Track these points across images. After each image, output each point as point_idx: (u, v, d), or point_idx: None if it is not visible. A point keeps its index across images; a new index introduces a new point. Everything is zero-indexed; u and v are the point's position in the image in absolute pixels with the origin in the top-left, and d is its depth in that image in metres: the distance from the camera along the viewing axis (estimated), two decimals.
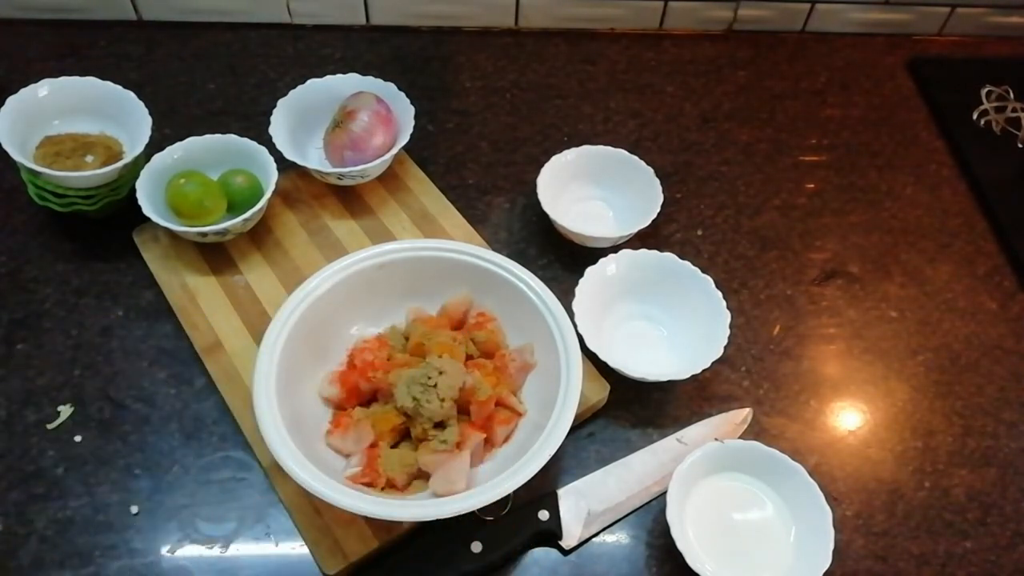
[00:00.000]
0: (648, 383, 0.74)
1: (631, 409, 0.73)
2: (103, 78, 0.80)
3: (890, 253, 0.87)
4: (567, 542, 0.65)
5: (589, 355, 0.70)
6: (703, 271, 0.75)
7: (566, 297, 0.71)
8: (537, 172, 0.83)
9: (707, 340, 0.72)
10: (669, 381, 0.73)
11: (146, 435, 0.69)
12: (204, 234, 0.75)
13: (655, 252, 0.77)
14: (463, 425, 0.66)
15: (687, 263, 0.76)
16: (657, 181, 0.83)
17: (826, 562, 0.61)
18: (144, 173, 0.77)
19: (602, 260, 0.76)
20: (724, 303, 0.73)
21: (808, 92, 1.02)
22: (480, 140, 0.93)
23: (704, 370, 0.70)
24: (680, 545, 0.62)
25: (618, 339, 0.77)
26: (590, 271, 0.75)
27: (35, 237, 0.80)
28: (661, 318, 0.78)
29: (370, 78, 0.86)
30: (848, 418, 0.75)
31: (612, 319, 0.77)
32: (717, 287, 0.74)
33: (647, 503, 0.68)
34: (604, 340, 0.74)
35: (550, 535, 0.65)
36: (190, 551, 0.64)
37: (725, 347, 0.71)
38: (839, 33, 1.08)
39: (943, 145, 0.97)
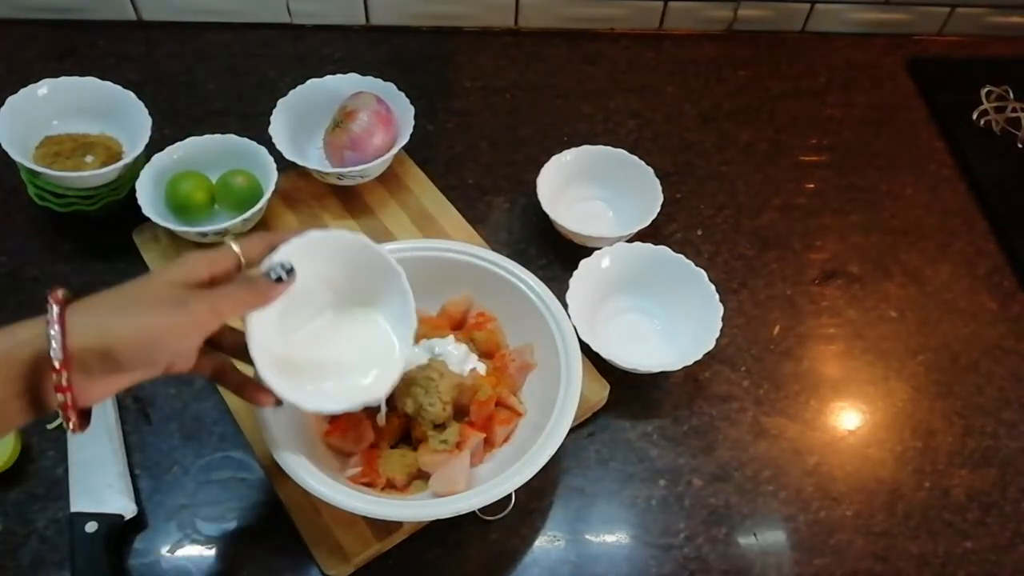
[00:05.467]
0: (645, 379, 0.74)
1: (631, 409, 0.73)
2: (103, 78, 0.80)
3: (890, 253, 0.87)
4: None
5: (584, 349, 0.70)
6: (699, 267, 0.75)
7: (564, 294, 0.72)
8: (537, 172, 0.83)
9: (700, 333, 0.72)
10: (663, 373, 0.73)
11: (146, 435, 0.69)
12: (204, 234, 0.75)
13: (649, 245, 0.77)
14: (463, 425, 0.66)
15: (681, 256, 0.76)
16: (657, 181, 0.83)
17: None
18: (144, 173, 0.77)
19: (596, 253, 0.77)
20: (717, 296, 0.74)
21: (808, 92, 1.02)
22: (480, 140, 0.93)
23: (696, 362, 0.70)
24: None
25: (612, 331, 0.77)
26: (584, 263, 0.75)
27: (35, 237, 0.80)
28: (655, 311, 0.78)
29: (370, 78, 0.86)
30: (848, 418, 0.75)
31: (606, 311, 0.78)
32: (711, 281, 0.75)
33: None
34: (597, 332, 0.74)
35: None
36: (190, 551, 0.64)
37: (722, 343, 0.71)
38: (839, 33, 1.08)
39: (943, 145, 0.97)
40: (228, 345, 0.55)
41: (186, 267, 0.49)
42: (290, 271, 0.50)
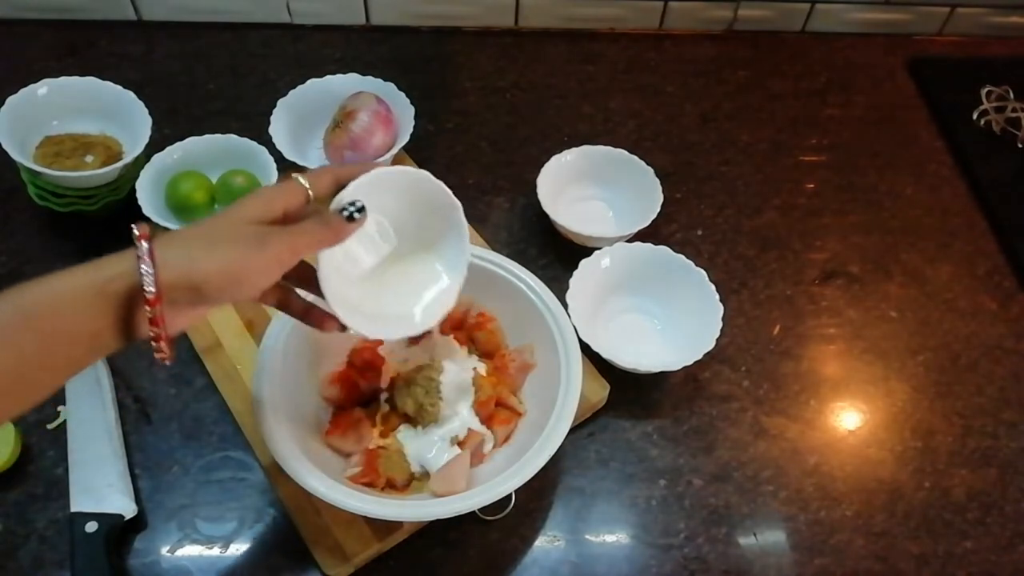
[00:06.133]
0: (645, 379, 0.74)
1: (631, 409, 0.73)
2: (103, 78, 0.80)
3: (890, 253, 0.87)
4: None
5: (584, 349, 0.70)
6: (699, 267, 0.76)
7: (563, 294, 0.72)
8: (537, 172, 0.83)
9: (700, 333, 0.72)
10: (663, 373, 0.73)
11: (146, 435, 0.69)
12: None
13: (649, 245, 0.77)
14: None
15: (681, 256, 0.76)
16: (657, 181, 0.83)
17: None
18: (144, 173, 0.77)
19: (596, 253, 0.77)
20: (717, 296, 0.74)
21: (808, 92, 1.02)
22: (480, 140, 0.93)
23: (696, 362, 0.70)
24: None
25: (612, 331, 0.77)
26: (584, 263, 0.75)
27: (35, 237, 0.80)
28: (655, 311, 0.78)
29: (370, 78, 0.86)
30: (848, 418, 0.75)
31: (606, 311, 0.78)
32: (711, 281, 0.75)
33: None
34: (597, 332, 0.74)
35: None
36: (190, 551, 0.64)
37: (722, 343, 0.71)
38: (839, 33, 1.08)
39: (943, 145, 0.97)
40: (292, 274, 0.56)
41: (263, 203, 0.50)
42: (361, 210, 0.52)
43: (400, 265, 0.60)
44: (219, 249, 0.47)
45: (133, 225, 0.46)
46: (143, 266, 0.45)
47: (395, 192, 0.56)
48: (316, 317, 0.57)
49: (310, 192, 0.52)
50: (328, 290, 0.53)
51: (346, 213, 0.51)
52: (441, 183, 0.58)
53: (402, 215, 0.58)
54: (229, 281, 0.47)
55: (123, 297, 0.45)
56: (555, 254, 0.83)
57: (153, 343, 0.46)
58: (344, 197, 0.52)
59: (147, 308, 0.45)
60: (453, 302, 0.61)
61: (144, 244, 0.45)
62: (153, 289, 0.44)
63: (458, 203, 0.58)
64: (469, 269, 0.70)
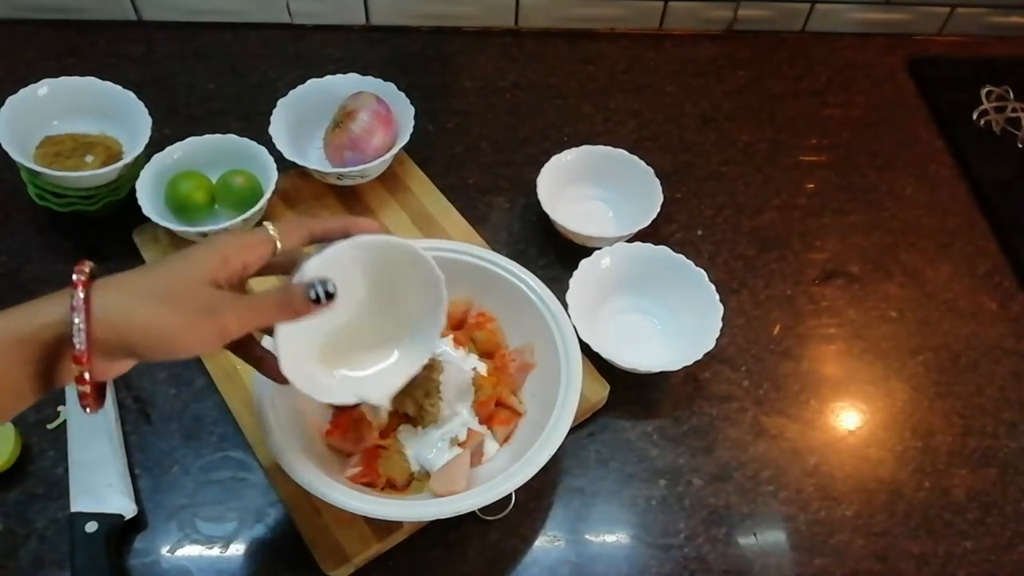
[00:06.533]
0: (645, 379, 0.74)
1: (631, 409, 0.73)
2: (103, 78, 0.80)
3: (890, 253, 0.87)
4: None
5: (584, 349, 0.70)
6: (699, 267, 0.76)
7: (563, 293, 0.72)
8: (537, 172, 0.83)
9: (700, 333, 0.72)
10: (663, 373, 0.73)
11: (146, 435, 0.69)
12: (204, 234, 0.75)
13: (649, 245, 0.77)
14: None
15: (681, 256, 0.76)
16: (657, 181, 0.83)
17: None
18: (144, 173, 0.77)
19: (596, 252, 0.77)
20: (717, 296, 0.74)
21: (808, 92, 1.02)
22: (480, 140, 0.93)
23: (696, 362, 0.70)
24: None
25: (611, 331, 0.77)
26: (584, 263, 0.75)
27: (35, 237, 0.80)
28: (655, 311, 0.78)
29: (370, 78, 0.86)
30: (848, 418, 0.75)
31: (606, 311, 0.78)
32: (711, 281, 0.75)
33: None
34: (597, 332, 0.74)
35: None
36: (190, 551, 0.64)
37: (722, 343, 0.71)
38: (839, 33, 1.08)
39: (943, 145, 0.97)
40: None
41: (221, 260, 0.47)
42: (330, 295, 0.48)
43: (368, 328, 0.57)
44: (162, 309, 0.44)
45: (75, 270, 0.43)
46: (76, 319, 0.41)
47: (375, 260, 0.54)
48: (269, 368, 0.53)
49: (278, 244, 0.49)
50: (282, 343, 0.50)
51: (312, 294, 0.47)
52: (428, 256, 0.55)
53: (378, 279, 0.55)
54: (166, 345, 0.44)
55: (50, 346, 0.42)
56: (555, 254, 0.83)
57: (79, 397, 0.44)
58: (311, 270, 0.48)
59: (75, 365, 0.41)
60: (413, 374, 0.59)
61: (80, 293, 0.41)
62: (83, 348, 0.41)
63: (441, 276, 0.56)
64: (470, 269, 0.70)
